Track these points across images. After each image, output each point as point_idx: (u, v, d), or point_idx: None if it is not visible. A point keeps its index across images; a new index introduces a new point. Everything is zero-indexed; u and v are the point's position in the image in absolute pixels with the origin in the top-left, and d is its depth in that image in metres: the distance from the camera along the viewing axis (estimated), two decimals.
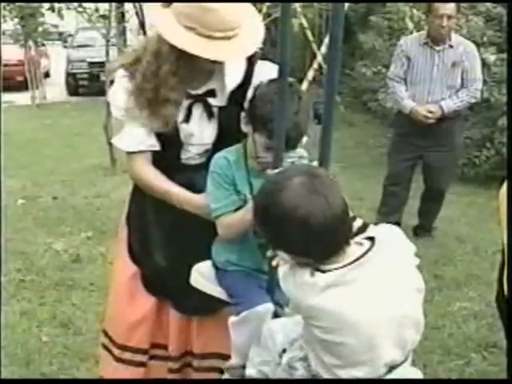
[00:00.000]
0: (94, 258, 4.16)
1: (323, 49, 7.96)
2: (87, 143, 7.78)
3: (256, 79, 1.95)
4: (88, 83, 13.74)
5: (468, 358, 2.98)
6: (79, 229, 4.74)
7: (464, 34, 5.59)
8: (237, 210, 1.91)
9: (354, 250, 1.42)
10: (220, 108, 2.02)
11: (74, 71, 14.05)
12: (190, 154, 2.06)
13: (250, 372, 1.72)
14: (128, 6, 9.14)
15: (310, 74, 8.10)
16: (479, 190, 5.85)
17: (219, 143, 2.01)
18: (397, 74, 4.36)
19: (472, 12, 6.63)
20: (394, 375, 1.45)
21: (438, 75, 4.22)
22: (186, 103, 1.99)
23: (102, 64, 9.65)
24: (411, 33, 5.98)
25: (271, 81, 1.78)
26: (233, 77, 2.02)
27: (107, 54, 6.85)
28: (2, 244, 4.16)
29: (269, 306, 1.84)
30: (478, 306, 3.51)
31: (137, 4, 7.54)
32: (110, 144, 6.41)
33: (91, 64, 13.44)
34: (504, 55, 6.01)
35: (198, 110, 2.02)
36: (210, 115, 2.02)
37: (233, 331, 1.91)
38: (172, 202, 2.01)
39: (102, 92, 7.57)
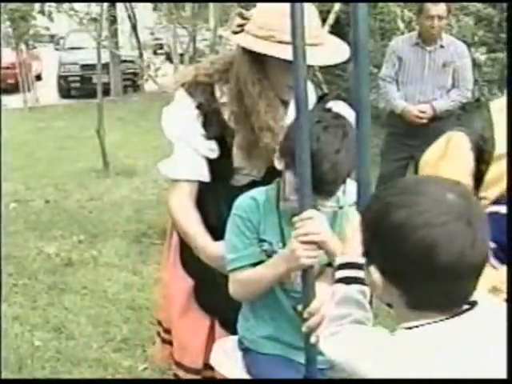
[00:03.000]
0: (86, 262, 4.14)
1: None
2: (80, 146, 7.75)
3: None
4: (80, 86, 13.69)
5: None
6: (71, 232, 4.72)
7: (455, 33, 5.61)
8: (257, 263, 1.61)
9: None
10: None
11: (66, 74, 13.99)
12: (237, 184, 1.91)
13: None
14: (120, 8, 9.13)
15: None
16: None
17: (269, 178, 1.78)
18: (388, 75, 4.37)
19: (463, 12, 6.65)
20: None
21: (429, 75, 4.23)
22: (267, 137, 1.80)
23: (93, 66, 9.60)
24: (402, 33, 5.99)
25: (311, 111, 1.51)
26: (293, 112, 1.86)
27: (99, 56, 6.83)
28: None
29: None
30: None
31: (129, 6, 7.51)
32: (103, 147, 6.41)
33: (83, 66, 13.38)
34: (494, 55, 6.04)
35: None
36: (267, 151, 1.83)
37: None
38: (190, 246, 1.86)
39: (94, 94, 7.55)
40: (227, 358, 1.76)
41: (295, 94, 1.43)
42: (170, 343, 2.14)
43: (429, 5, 4.07)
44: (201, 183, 1.89)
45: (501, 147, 1.90)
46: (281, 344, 1.69)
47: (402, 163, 4.40)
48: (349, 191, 1.53)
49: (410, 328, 1.09)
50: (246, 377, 1.70)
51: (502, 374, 1.07)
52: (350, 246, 1.29)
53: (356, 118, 1.34)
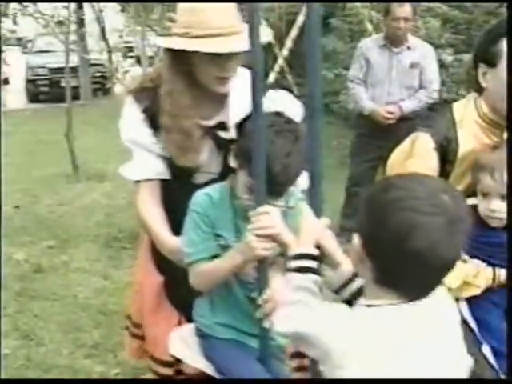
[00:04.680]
0: (56, 268, 4.10)
1: (285, 52, 7.99)
2: (49, 151, 7.66)
3: (271, 102, 1.74)
4: (49, 90, 13.52)
5: None
6: (41, 238, 4.67)
7: (422, 35, 5.67)
8: (215, 257, 1.69)
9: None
10: (229, 141, 1.92)
11: (34, 77, 13.79)
12: (197, 182, 1.96)
13: None
14: (88, 11, 9.04)
15: (272, 77, 8.12)
16: None
17: (226, 175, 1.85)
18: (356, 76, 4.42)
19: (429, 14, 6.74)
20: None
21: (396, 76, 4.28)
22: (197, 134, 1.92)
23: (62, 70, 9.51)
24: (371, 35, 6.05)
25: (267, 113, 1.57)
26: (239, 107, 1.91)
27: (67, 59, 6.76)
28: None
29: None
30: None
31: (96, 9, 7.44)
32: (72, 151, 6.35)
33: (51, 70, 13.22)
34: (461, 56, 6.12)
35: (208, 142, 1.96)
36: (220, 147, 1.96)
37: None
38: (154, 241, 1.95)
39: (63, 98, 7.46)
40: (185, 344, 1.84)
41: (252, 98, 1.49)
42: (138, 337, 2.21)
43: (394, 7, 4.12)
44: (164, 182, 1.96)
45: (465, 146, 1.94)
46: (235, 331, 1.77)
47: (371, 164, 4.44)
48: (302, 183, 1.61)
49: (369, 306, 1.20)
50: (203, 361, 1.78)
51: (440, 365, 1.18)
52: (304, 239, 1.39)
53: (308, 115, 1.42)
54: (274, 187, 1.55)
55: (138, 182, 1.97)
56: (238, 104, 1.91)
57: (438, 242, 1.11)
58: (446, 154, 1.94)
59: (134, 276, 2.37)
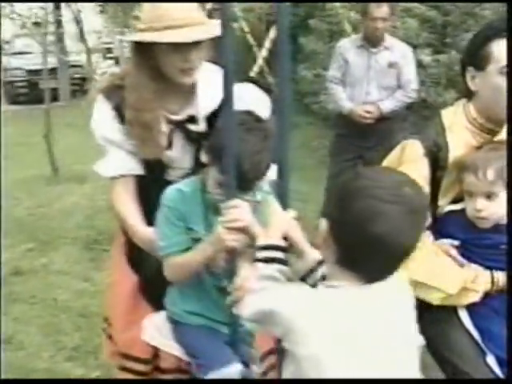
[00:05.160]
0: (35, 270, 4.07)
1: (264, 52, 8.02)
2: (27, 153, 7.59)
3: (241, 99, 1.79)
4: (27, 91, 13.38)
5: None
6: (20, 240, 4.62)
7: (400, 35, 5.72)
8: (188, 249, 1.74)
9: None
10: (200, 134, 1.97)
11: (12, 79, 13.66)
12: (171, 178, 2.01)
13: None
14: (65, 11, 8.98)
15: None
16: None
17: (199, 169, 1.88)
18: (335, 76, 4.44)
19: (408, 14, 6.79)
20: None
21: (374, 76, 4.31)
22: (167, 129, 1.97)
23: (40, 72, 9.43)
24: (350, 35, 6.08)
25: (238, 111, 1.62)
26: (208, 101, 1.97)
27: (45, 61, 6.71)
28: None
29: (235, 368, 1.71)
30: None
31: (74, 9, 7.40)
32: (52, 153, 6.30)
33: (30, 72, 13.09)
34: (439, 56, 6.18)
35: (179, 136, 1.99)
36: (191, 141, 1.99)
37: None
38: (129, 233, 1.99)
39: (41, 100, 7.41)
40: (158, 331, 1.92)
41: (224, 97, 1.55)
42: (113, 339, 2.21)
43: (372, 7, 4.15)
44: (139, 178, 2.01)
45: (455, 152, 1.92)
46: (205, 318, 1.85)
47: (350, 163, 4.46)
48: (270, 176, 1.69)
49: (330, 286, 1.30)
50: (176, 347, 1.87)
51: (394, 344, 1.28)
52: (271, 230, 1.49)
53: (278, 110, 1.53)
54: (244, 183, 1.61)
55: (113, 178, 2.01)
56: (207, 97, 1.97)
57: (397, 228, 1.20)
58: (437, 159, 1.93)
59: (109, 277, 2.38)
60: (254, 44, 9.09)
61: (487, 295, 1.89)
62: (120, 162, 1.99)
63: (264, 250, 1.44)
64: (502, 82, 1.85)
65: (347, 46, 4.43)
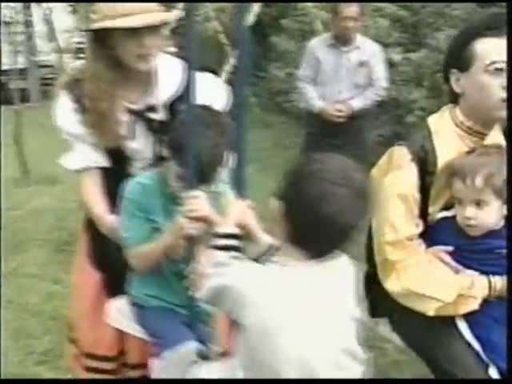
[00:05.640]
0: (5, 273, 4.00)
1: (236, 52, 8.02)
2: None
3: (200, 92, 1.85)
4: None
5: (382, 350, 3.07)
6: None
7: (372, 34, 5.75)
8: (150, 240, 1.83)
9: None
10: (162, 123, 2.01)
11: None
12: (136, 170, 2.06)
13: None
14: (35, 11, 8.86)
15: (224, 76, 8.12)
16: None
17: (161, 160, 1.93)
18: (306, 75, 4.46)
19: (379, 14, 6.84)
20: None
21: (345, 75, 4.34)
22: (128, 119, 2.01)
23: (10, 72, 9.30)
24: (321, 34, 6.09)
25: (197, 106, 1.69)
26: (167, 89, 2.02)
27: (15, 61, 6.62)
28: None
29: (191, 345, 1.78)
30: None
31: (44, 7, 7.30)
32: (22, 154, 6.21)
33: None
34: (409, 55, 6.23)
35: (141, 126, 2.03)
36: (153, 130, 2.02)
37: (157, 376, 1.81)
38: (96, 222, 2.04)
39: (11, 101, 7.30)
40: (121, 314, 2.01)
41: (187, 92, 1.63)
42: (74, 342, 2.24)
43: (342, 7, 4.17)
44: (105, 171, 2.06)
45: (443, 157, 1.88)
46: (164, 301, 1.94)
47: None
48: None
49: (279, 263, 1.41)
50: (138, 329, 1.97)
51: (335, 317, 1.42)
52: (228, 219, 1.60)
53: (235, 103, 1.64)
54: (203, 175, 1.69)
55: (78, 171, 2.06)
56: (167, 86, 2.01)
57: (345, 209, 1.32)
58: (425, 164, 1.89)
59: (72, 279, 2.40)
60: (226, 44, 9.07)
61: (485, 303, 1.84)
62: (84, 155, 2.03)
63: (220, 237, 1.54)
64: (488, 80, 1.82)
65: (318, 45, 4.45)
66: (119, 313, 2.02)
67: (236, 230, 1.57)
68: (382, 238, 1.89)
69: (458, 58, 1.88)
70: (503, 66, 1.80)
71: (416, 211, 1.90)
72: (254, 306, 1.35)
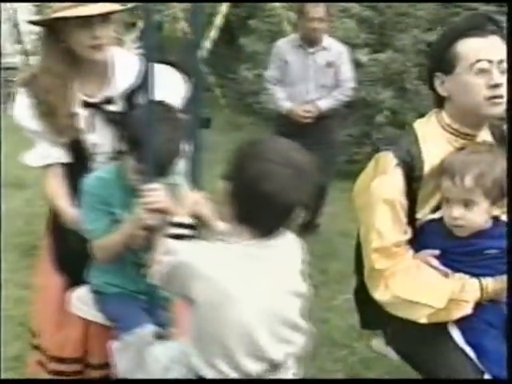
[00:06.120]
0: None
1: (204, 52, 8.00)
2: None
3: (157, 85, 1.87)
4: None
5: (352, 348, 3.10)
6: None
7: (340, 35, 5.80)
8: (111, 232, 1.90)
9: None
10: (121, 114, 2.04)
11: None
12: (97, 164, 2.10)
13: None
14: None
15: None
16: None
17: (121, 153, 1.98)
18: (273, 76, 4.49)
19: (346, 15, 6.89)
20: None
21: (312, 76, 4.37)
22: (86, 113, 2.03)
23: None
24: (290, 35, 6.12)
25: (152, 102, 1.74)
26: (123, 79, 2.06)
27: None
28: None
29: (148, 328, 1.84)
30: None
31: (9, 8, 7.22)
32: None
33: None
34: (376, 55, 6.29)
35: (99, 119, 2.05)
36: (112, 123, 2.05)
37: (116, 357, 1.87)
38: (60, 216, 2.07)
39: None
40: (83, 303, 2.07)
41: (145, 86, 1.70)
42: (38, 348, 2.25)
43: (309, 7, 4.20)
44: (68, 166, 2.09)
45: (431, 161, 1.85)
46: (124, 289, 2.01)
47: None
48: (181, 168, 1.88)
49: (225, 241, 1.49)
50: (99, 316, 2.03)
51: (281, 293, 1.51)
52: (182, 209, 1.68)
53: (191, 95, 1.73)
54: (159, 169, 1.77)
55: (42, 168, 2.09)
56: (124, 77, 2.05)
57: (286, 188, 1.39)
58: (411, 169, 1.86)
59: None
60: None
61: (479, 307, 1.80)
62: (46, 152, 2.06)
63: (174, 226, 1.62)
64: (473, 79, 1.82)
65: (285, 46, 4.48)
66: (80, 301, 2.08)
67: (189, 220, 1.64)
68: (369, 246, 1.87)
69: (442, 60, 1.87)
70: (487, 65, 1.80)
71: (403, 217, 1.87)
72: (202, 279, 1.42)
